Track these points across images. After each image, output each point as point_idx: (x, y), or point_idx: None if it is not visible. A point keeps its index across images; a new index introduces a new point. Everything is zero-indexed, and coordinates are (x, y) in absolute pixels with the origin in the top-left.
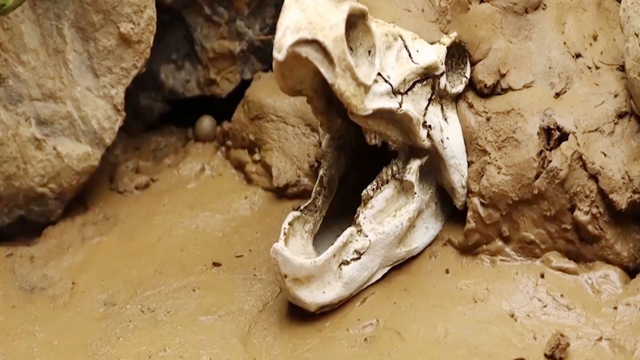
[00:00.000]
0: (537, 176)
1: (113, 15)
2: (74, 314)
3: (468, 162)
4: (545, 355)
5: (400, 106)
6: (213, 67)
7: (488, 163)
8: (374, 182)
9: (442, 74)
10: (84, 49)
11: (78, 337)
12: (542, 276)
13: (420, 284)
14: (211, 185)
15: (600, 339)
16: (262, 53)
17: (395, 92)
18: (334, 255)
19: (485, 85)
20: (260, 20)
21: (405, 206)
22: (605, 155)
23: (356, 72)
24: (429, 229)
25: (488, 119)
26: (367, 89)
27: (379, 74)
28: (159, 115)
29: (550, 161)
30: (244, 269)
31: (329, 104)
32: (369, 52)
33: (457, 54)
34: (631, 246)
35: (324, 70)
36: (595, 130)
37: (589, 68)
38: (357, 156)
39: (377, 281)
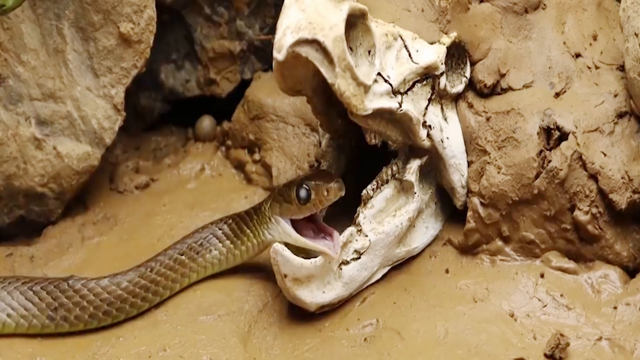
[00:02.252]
0: (537, 176)
1: (113, 15)
2: None
3: (468, 162)
4: (545, 355)
5: (400, 106)
6: (213, 67)
7: (488, 163)
8: (374, 182)
9: (442, 74)
10: (84, 49)
11: (78, 337)
12: (542, 276)
13: (420, 283)
14: (211, 185)
15: (600, 338)
16: (262, 53)
17: (395, 92)
18: None
19: (485, 85)
20: (260, 20)
21: (405, 206)
22: (605, 155)
23: (356, 72)
24: (428, 228)
25: (488, 119)
26: (367, 88)
27: (378, 73)
28: (159, 115)
29: (550, 161)
30: (244, 269)
31: (329, 104)
32: (369, 52)
33: (457, 54)
34: (631, 246)
35: (324, 70)
36: (595, 130)
37: (589, 68)
38: (357, 156)
39: (377, 281)
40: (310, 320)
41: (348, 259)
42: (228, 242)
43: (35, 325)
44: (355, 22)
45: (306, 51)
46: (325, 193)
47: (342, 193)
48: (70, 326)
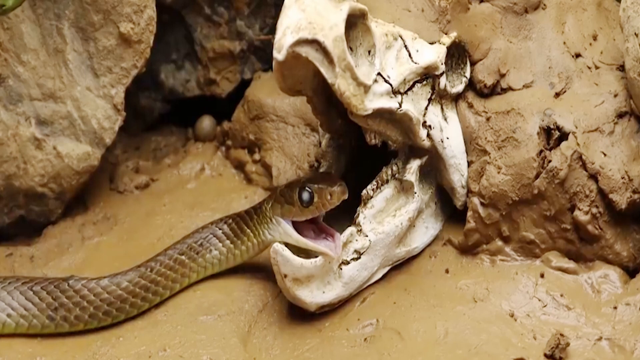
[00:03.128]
0: (537, 176)
1: (113, 15)
2: None
3: (468, 162)
4: (545, 355)
5: (400, 106)
6: (213, 67)
7: (488, 163)
8: (374, 182)
9: (442, 74)
10: (84, 49)
11: (78, 337)
12: (542, 276)
13: (420, 283)
14: (211, 185)
15: (600, 338)
16: (262, 53)
17: (395, 92)
18: None
19: (485, 85)
20: (260, 20)
21: (405, 206)
22: (605, 155)
23: (356, 72)
24: (428, 228)
25: (488, 119)
26: (367, 88)
27: (378, 73)
28: (159, 115)
29: (550, 161)
30: (244, 269)
31: (329, 104)
32: (369, 52)
33: (457, 54)
34: (631, 246)
35: (324, 70)
36: (595, 130)
37: (589, 68)
38: (357, 156)
39: (377, 281)
40: (310, 320)
41: (348, 259)
42: (228, 242)
43: (35, 325)
44: (355, 22)
45: (306, 51)
46: (329, 197)
47: (346, 197)
48: (70, 326)
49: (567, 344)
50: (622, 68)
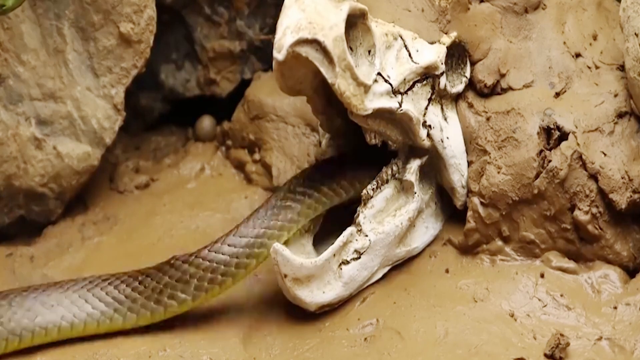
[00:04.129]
0: (537, 176)
1: (113, 15)
2: None
3: (468, 161)
4: (545, 355)
5: (400, 106)
6: (213, 67)
7: (488, 163)
8: (374, 182)
9: (442, 74)
10: (84, 49)
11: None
12: (542, 276)
13: (420, 283)
14: (211, 185)
15: (600, 338)
16: (262, 53)
17: (395, 91)
18: (334, 255)
19: (485, 85)
20: (260, 20)
21: (405, 206)
22: (605, 155)
23: (356, 71)
24: (428, 228)
25: (488, 119)
26: (367, 88)
27: (379, 73)
28: (159, 115)
29: (550, 161)
30: None
31: (329, 103)
32: (369, 51)
33: (457, 54)
34: (631, 246)
35: (324, 70)
36: (595, 130)
37: (589, 68)
38: (357, 156)
39: (377, 281)
40: (310, 320)
41: (348, 259)
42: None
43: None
44: (355, 22)
45: (306, 51)
46: None
47: None
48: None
49: (567, 344)
50: (622, 68)
